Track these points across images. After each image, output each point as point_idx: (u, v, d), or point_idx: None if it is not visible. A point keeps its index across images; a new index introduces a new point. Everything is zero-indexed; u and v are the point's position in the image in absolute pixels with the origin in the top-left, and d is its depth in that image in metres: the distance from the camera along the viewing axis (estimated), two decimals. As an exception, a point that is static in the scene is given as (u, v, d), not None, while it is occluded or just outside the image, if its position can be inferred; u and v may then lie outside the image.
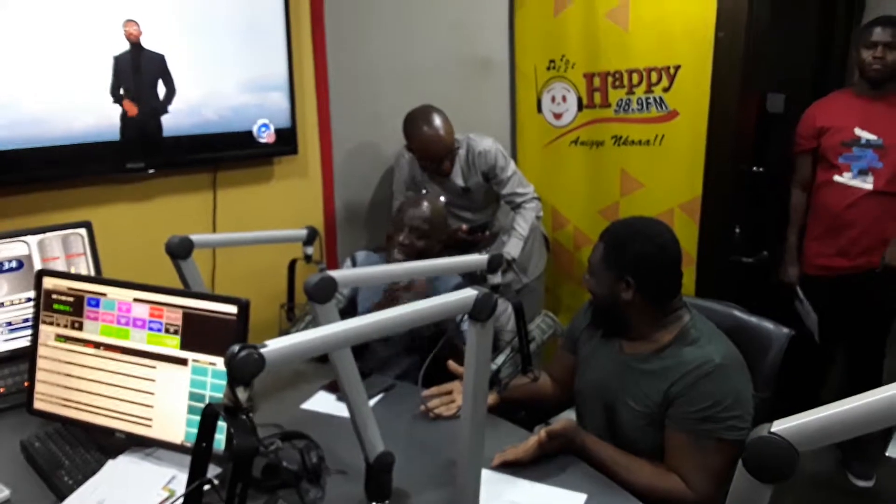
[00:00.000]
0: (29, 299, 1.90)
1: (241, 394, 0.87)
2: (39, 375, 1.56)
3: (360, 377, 1.32)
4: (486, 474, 1.44)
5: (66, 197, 2.05)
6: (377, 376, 2.00)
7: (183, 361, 1.42)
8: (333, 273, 1.26)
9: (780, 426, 0.69)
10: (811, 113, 2.77)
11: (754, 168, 2.87)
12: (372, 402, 1.84)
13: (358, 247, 2.67)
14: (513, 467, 1.50)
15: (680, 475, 1.47)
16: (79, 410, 1.52)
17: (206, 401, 1.40)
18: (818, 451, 2.90)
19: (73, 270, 1.97)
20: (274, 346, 0.90)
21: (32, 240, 1.91)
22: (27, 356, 1.83)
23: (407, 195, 2.61)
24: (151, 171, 2.13)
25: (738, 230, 2.79)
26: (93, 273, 1.99)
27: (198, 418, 1.25)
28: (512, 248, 2.61)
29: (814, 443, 0.68)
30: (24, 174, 1.93)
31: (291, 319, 1.96)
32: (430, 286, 2.11)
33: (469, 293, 1.10)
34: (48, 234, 1.94)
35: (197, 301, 1.42)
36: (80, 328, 1.52)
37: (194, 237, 1.61)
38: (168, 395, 1.43)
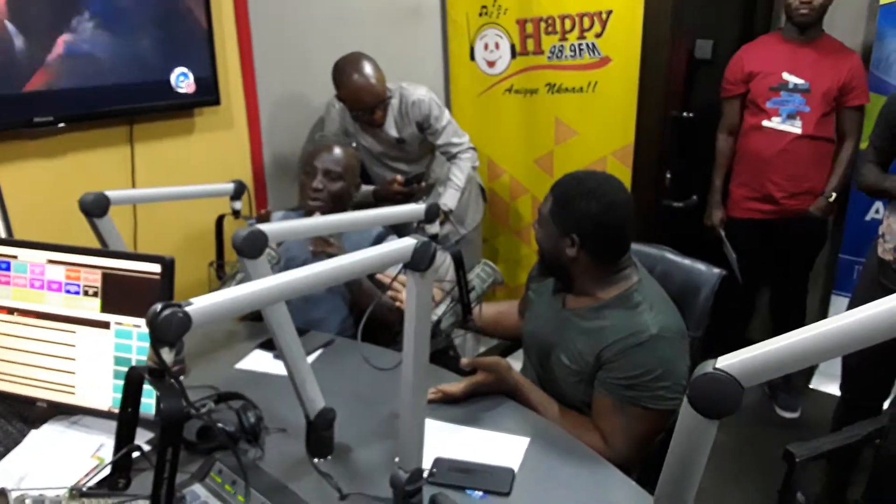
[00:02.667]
0: (-69, 265, 1.76)
1: (167, 355, 0.81)
2: (-56, 345, 1.45)
3: (297, 334, 1.28)
4: (430, 424, 1.43)
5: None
6: (315, 333, 1.96)
7: (105, 325, 1.35)
8: (262, 226, 1.20)
9: (724, 362, 0.68)
10: (739, 58, 2.80)
11: (684, 114, 2.90)
12: (311, 358, 1.80)
13: (290, 199, 2.59)
14: (449, 404, 1.53)
15: (601, 434, 1.49)
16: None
17: (132, 364, 1.33)
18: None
19: (-21, 233, 1.83)
20: (200, 303, 0.84)
21: (-69, 201, 1.77)
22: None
23: (314, 141, 2.49)
24: (61, 125, 1.98)
25: (668, 175, 2.83)
26: (2, 235, 1.86)
27: (122, 382, 1.22)
28: (449, 199, 2.57)
29: (757, 378, 0.68)
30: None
31: (221, 277, 1.88)
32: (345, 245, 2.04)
33: (407, 242, 1.06)
34: (-51, 195, 1.79)
35: (117, 261, 1.33)
36: (-10, 293, 1.41)
37: (110, 193, 1.51)
38: (91, 360, 1.36)
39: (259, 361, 1.80)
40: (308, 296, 2.03)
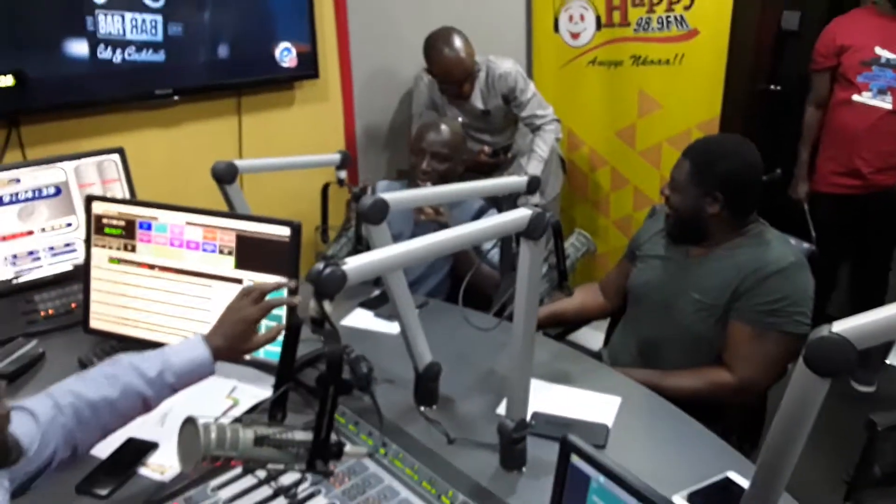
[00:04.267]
0: (69, 224, 1.95)
1: (328, 306, 0.93)
2: (94, 296, 1.63)
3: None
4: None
5: (97, 124, 2.06)
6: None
7: (238, 280, 1.49)
8: (385, 195, 1.30)
9: (839, 327, 0.76)
10: (831, 30, 2.75)
11: (771, 87, 2.88)
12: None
13: (379, 169, 2.71)
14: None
15: (728, 363, 1.65)
16: (136, 328, 1.59)
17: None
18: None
19: (109, 195, 2.01)
20: (354, 262, 0.96)
21: (69, 166, 1.94)
22: (71, 279, 1.92)
23: (423, 120, 2.62)
24: (176, 97, 2.14)
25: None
26: (127, 195, 2.03)
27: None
28: (533, 169, 2.65)
29: (869, 341, 0.75)
30: (57, 101, 1.94)
31: (326, 241, 2.02)
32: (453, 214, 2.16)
33: (524, 212, 1.16)
34: (83, 161, 1.97)
35: (251, 224, 1.47)
36: (133, 250, 1.57)
37: (238, 162, 1.65)
38: (225, 311, 1.50)
39: (361, 319, 1.92)
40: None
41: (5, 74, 1.80)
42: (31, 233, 1.89)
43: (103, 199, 1.61)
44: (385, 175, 2.73)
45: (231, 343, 1.21)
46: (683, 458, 1.35)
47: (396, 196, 1.34)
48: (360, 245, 1.76)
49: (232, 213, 1.50)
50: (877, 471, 1.85)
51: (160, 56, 2.06)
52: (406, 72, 2.77)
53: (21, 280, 1.87)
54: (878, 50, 2.62)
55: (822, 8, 3.09)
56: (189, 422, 0.91)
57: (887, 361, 3.18)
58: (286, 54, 2.30)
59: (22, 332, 1.76)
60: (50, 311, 1.84)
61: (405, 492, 1.20)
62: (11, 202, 1.86)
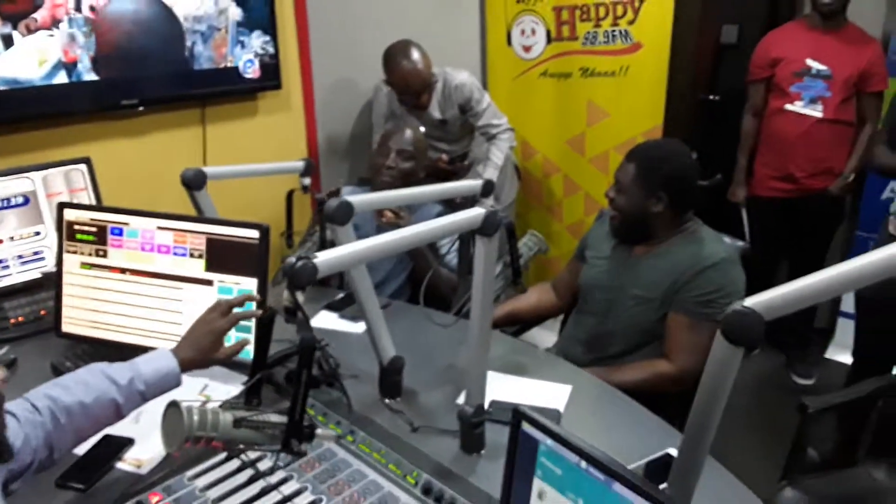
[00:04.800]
0: (37, 233, 1.99)
1: (300, 297, 1.02)
2: (66, 301, 1.68)
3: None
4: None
5: (64, 134, 2.11)
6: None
7: (209, 282, 1.56)
8: (350, 198, 1.40)
9: (749, 301, 0.88)
10: (766, 43, 2.94)
11: (710, 97, 3.06)
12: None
13: (340, 176, 2.79)
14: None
15: (668, 354, 1.77)
16: (108, 331, 1.65)
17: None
18: (765, 354, 3.18)
19: (76, 204, 2.05)
20: (324, 256, 1.05)
21: (37, 176, 1.98)
22: (40, 287, 1.96)
23: (387, 127, 2.71)
24: (141, 108, 2.20)
25: (695, 155, 2.99)
26: (93, 203, 2.08)
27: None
28: (489, 176, 2.76)
29: (775, 312, 0.87)
30: (24, 112, 1.98)
31: (291, 246, 2.09)
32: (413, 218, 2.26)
33: (478, 211, 1.26)
34: (51, 171, 2.01)
35: (220, 227, 1.54)
36: (105, 255, 1.63)
37: (207, 169, 1.72)
38: (196, 312, 1.55)
39: (327, 320, 2.00)
40: (371, 263, 2.26)
41: (-28, 86, 1.84)
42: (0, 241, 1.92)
43: (75, 205, 1.67)
44: (346, 182, 2.82)
45: (199, 354, 1.29)
46: (629, 439, 1.46)
47: (361, 199, 1.43)
48: (325, 249, 1.84)
49: (202, 218, 1.57)
50: (814, 455, 2.00)
51: (126, 70, 2.11)
52: (365, 83, 2.87)
53: (-11, 288, 1.90)
54: (809, 61, 2.81)
55: (760, 22, 3.29)
56: (173, 405, 0.99)
57: (826, 356, 3.38)
58: (249, 66, 2.38)
59: (-10, 339, 1.80)
60: (20, 318, 1.88)
61: (373, 474, 1.28)
62: (-21, 211, 1.89)
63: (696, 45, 2.79)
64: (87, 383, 1.19)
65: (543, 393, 1.62)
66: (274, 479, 1.27)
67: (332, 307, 2.06)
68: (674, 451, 1.37)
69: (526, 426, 0.93)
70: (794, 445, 1.86)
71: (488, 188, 1.67)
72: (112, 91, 2.11)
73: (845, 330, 3.16)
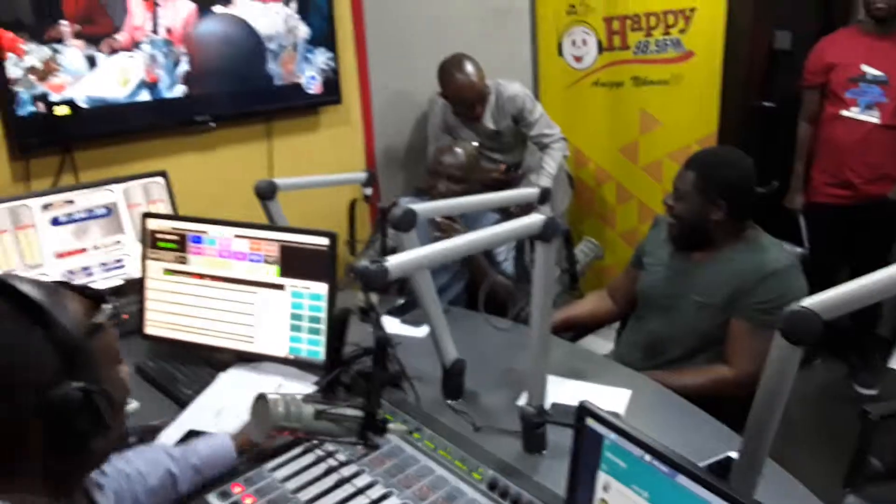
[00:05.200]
0: (118, 242, 2.13)
1: (374, 298, 1.09)
2: (149, 305, 1.79)
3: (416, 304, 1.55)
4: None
5: (142, 149, 2.25)
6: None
7: (281, 287, 1.65)
8: (414, 206, 1.47)
9: (807, 301, 0.91)
10: (820, 49, 2.92)
11: (765, 103, 3.05)
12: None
13: (397, 187, 2.88)
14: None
15: (728, 360, 1.80)
16: (187, 333, 1.75)
17: (305, 319, 1.64)
18: (828, 365, 3.13)
19: (153, 215, 2.18)
20: (395, 260, 1.13)
21: (118, 188, 2.12)
22: (121, 292, 2.09)
23: (439, 145, 2.78)
24: (213, 124, 2.32)
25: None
26: (170, 212, 2.21)
27: (298, 334, 1.61)
28: (542, 185, 2.81)
29: (833, 312, 0.90)
30: (108, 128, 2.13)
31: (353, 253, 2.18)
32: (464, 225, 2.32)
33: (538, 217, 1.32)
34: (131, 183, 2.15)
35: (292, 235, 1.64)
36: (185, 262, 1.74)
37: (278, 181, 1.82)
38: (269, 315, 1.67)
39: (389, 325, 2.06)
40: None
41: (61, 105, 1.98)
42: (84, 250, 2.06)
43: (158, 215, 1.78)
44: (402, 192, 2.90)
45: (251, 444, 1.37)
46: (689, 442, 1.45)
47: (424, 206, 1.51)
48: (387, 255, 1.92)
49: (275, 226, 1.66)
50: (877, 464, 1.99)
51: (205, 88, 2.25)
52: (421, 95, 2.95)
53: (76, 293, 2.03)
54: (864, 67, 2.79)
55: (813, 27, 3.27)
56: (261, 397, 1.07)
57: (889, 365, 3.31)
58: (312, 81, 2.49)
59: (79, 341, 1.92)
60: (103, 322, 2.00)
61: (440, 470, 1.34)
62: (67, 222, 2.03)
63: (749, 51, 2.79)
64: (143, 453, 1.26)
65: (603, 397, 1.66)
66: (347, 472, 1.34)
67: (393, 313, 2.14)
68: (734, 455, 1.39)
69: (591, 422, 0.98)
70: (856, 453, 1.86)
71: (545, 196, 1.72)
72: (189, 108, 2.24)
73: (909, 338, 3.10)
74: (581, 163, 3.34)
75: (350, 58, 2.69)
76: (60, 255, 2.02)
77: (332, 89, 2.56)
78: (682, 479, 0.86)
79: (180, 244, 1.74)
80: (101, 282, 2.08)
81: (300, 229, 1.64)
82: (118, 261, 2.12)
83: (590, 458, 0.98)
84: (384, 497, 1.28)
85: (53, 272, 2.00)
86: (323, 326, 1.63)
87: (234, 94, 2.33)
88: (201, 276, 1.73)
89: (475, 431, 1.52)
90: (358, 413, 1.12)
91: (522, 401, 1.62)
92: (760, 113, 3.00)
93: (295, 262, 1.64)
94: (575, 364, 1.82)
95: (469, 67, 2.64)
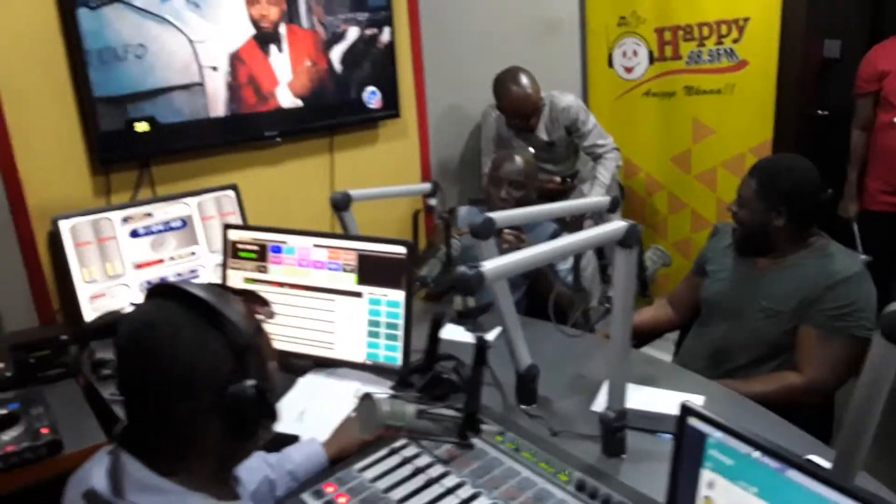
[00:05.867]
0: (193, 253, 2.20)
1: (470, 302, 1.13)
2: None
3: (483, 311, 1.62)
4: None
5: (212, 164, 2.33)
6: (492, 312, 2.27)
7: (359, 294, 1.70)
8: (492, 214, 1.51)
9: (910, 303, 0.93)
10: (872, 57, 2.91)
11: (818, 112, 3.04)
12: (496, 331, 2.11)
13: (452, 198, 2.93)
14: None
15: (798, 367, 1.80)
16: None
17: (383, 326, 1.69)
18: None
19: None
20: (489, 266, 1.16)
21: (192, 201, 2.20)
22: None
23: (497, 155, 2.82)
24: (279, 139, 2.40)
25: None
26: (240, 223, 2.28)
27: (375, 339, 1.66)
28: (596, 195, 2.84)
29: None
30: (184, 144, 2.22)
31: (416, 264, 2.22)
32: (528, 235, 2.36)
33: (621, 224, 1.35)
34: (204, 196, 2.23)
35: (370, 244, 1.69)
36: (265, 271, 1.80)
37: (352, 192, 1.88)
38: (347, 322, 1.72)
39: (453, 333, 2.10)
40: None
41: (141, 122, 2.06)
42: (161, 261, 2.14)
43: (238, 226, 1.85)
44: (458, 203, 2.94)
45: (342, 452, 1.42)
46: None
47: (501, 215, 1.54)
48: (451, 266, 1.97)
49: (353, 235, 1.72)
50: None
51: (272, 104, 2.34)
52: (474, 109, 3.01)
53: (154, 303, 2.11)
54: None
55: (863, 36, 3.25)
56: (367, 397, 1.11)
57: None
58: (373, 97, 2.55)
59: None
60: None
61: (525, 471, 1.37)
62: (145, 234, 2.11)
63: (802, 60, 2.80)
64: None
65: (676, 402, 1.67)
66: (434, 472, 1.38)
67: (457, 321, 2.17)
68: (814, 457, 1.40)
69: (692, 420, 1.01)
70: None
71: (615, 204, 1.75)
72: (259, 124, 2.32)
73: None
74: (631, 172, 3.36)
75: (408, 72, 2.75)
76: (139, 266, 2.10)
77: (391, 104, 2.63)
78: (793, 474, 0.88)
79: (260, 254, 1.81)
80: (176, 292, 2.15)
81: (377, 238, 1.69)
82: (193, 271, 2.20)
83: (691, 456, 1.01)
84: (473, 497, 1.31)
85: (133, 283, 2.08)
86: (400, 332, 1.67)
87: (301, 109, 2.40)
88: (281, 284, 1.79)
89: (552, 436, 1.55)
90: (455, 414, 1.16)
91: (598, 406, 1.65)
92: (813, 121, 3.00)
93: (372, 271, 1.69)
94: (644, 370, 1.83)
95: (524, 80, 2.68)
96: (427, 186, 2.13)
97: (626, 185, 3.34)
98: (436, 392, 1.68)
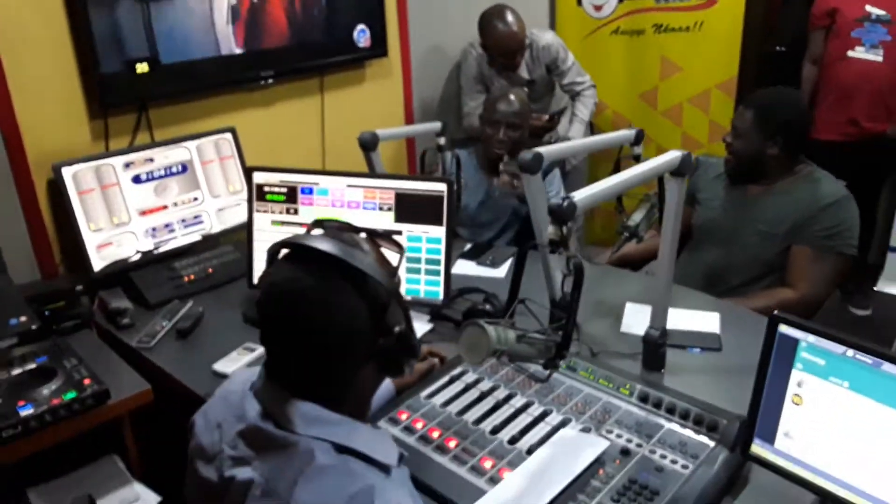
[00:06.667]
0: (195, 199, 2.14)
1: (565, 230, 1.19)
2: (257, 255, 1.84)
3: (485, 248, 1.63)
4: (632, 306, 1.84)
5: (207, 106, 2.24)
6: (499, 246, 2.33)
7: (398, 233, 1.72)
8: (539, 149, 1.55)
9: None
10: None
11: (776, 47, 3.20)
12: (507, 263, 2.17)
13: (430, 139, 2.93)
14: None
15: (790, 283, 1.96)
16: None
17: (423, 262, 1.72)
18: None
19: (224, 171, 2.20)
20: (579, 195, 1.22)
21: (191, 145, 2.13)
22: (202, 248, 2.12)
23: (491, 94, 2.79)
24: (270, 81, 2.33)
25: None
26: (241, 171, 2.23)
27: (415, 276, 1.70)
28: (576, 132, 2.92)
29: None
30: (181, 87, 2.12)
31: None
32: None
33: (676, 154, 1.43)
34: (203, 140, 2.16)
35: (408, 182, 1.70)
36: (296, 213, 1.79)
37: (379, 132, 1.87)
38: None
39: (467, 268, 2.15)
40: (482, 220, 2.42)
41: (142, 62, 1.96)
42: (165, 207, 2.08)
43: (264, 168, 1.81)
44: (420, 139, 2.92)
45: (404, 383, 1.47)
46: None
47: (550, 149, 1.58)
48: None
49: (388, 174, 1.72)
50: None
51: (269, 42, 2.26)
52: (452, 47, 2.99)
53: (161, 250, 2.06)
54: (868, 7, 2.95)
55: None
56: (474, 324, 1.15)
57: (876, 288, 3.59)
58: (362, 35, 2.51)
59: (174, 294, 1.96)
60: (191, 276, 2.04)
61: (587, 388, 1.46)
62: (148, 179, 2.04)
63: (768, -3, 2.95)
64: None
65: (695, 320, 1.80)
66: (500, 394, 1.45)
67: (466, 256, 2.22)
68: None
69: (784, 328, 1.11)
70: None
71: (639, 137, 1.84)
72: (253, 64, 2.25)
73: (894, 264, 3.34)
74: (599, 109, 3.41)
75: (392, 9, 2.70)
76: (143, 213, 2.03)
77: (379, 43, 2.58)
78: (888, 367, 0.99)
79: (290, 196, 1.79)
80: (182, 238, 2.10)
81: (415, 176, 1.71)
82: (196, 217, 2.14)
83: (782, 359, 1.11)
84: (545, 414, 1.39)
85: (138, 230, 2.01)
86: (441, 268, 1.71)
87: (293, 48, 2.33)
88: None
89: (593, 356, 1.65)
90: (547, 338, 1.22)
91: (626, 328, 1.76)
92: (772, 57, 3.16)
93: (411, 209, 1.71)
94: (653, 293, 1.95)
95: (510, 17, 2.69)
96: (437, 125, 2.13)
97: (594, 123, 3.43)
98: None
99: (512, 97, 2.36)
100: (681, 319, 1.81)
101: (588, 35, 3.34)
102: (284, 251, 0.97)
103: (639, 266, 2.47)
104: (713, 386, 1.51)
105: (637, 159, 2.13)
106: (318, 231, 1.02)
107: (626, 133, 1.87)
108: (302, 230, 1.78)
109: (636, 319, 1.78)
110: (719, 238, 2.14)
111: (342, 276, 0.91)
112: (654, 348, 1.58)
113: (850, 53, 3.02)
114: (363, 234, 1.04)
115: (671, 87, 3.18)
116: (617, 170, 1.95)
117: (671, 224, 1.49)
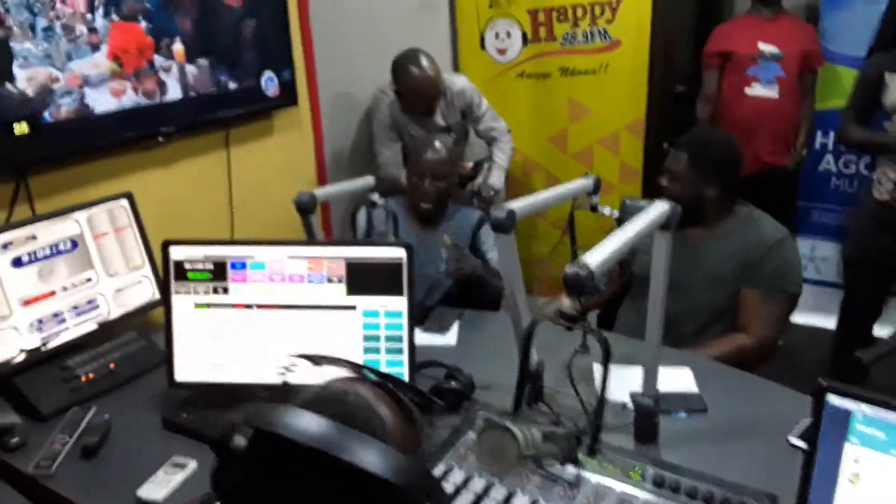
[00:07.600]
0: (89, 279, 1.81)
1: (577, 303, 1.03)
2: (178, 348, 1.55)
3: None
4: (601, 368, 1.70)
5: (98, 169, 1.93)
6: (441, 308, 2.14)
7: (352, 307, 1.50)
8: (511, 205, 1.40)
9: None
10: (716, 34, 3.17)
11: (676, 87, 3.28)
12: (454, 328, 1.99)
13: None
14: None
15: (743, 328, 1.92)
16: (231, 373, 1.54)
17: (382, 340, 1.51)
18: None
19: (121, 244, 1.89)
20: (594, 260, 1.07)
21: (81, 216, 1.81)
22: (98, 338, 1.79)
23: (415, 144, 2.60)
24: (163, 138, 2.04)
25: (666, 145, 3.20)
26: (141, 243, 1.92)
27: (375, 356, 1.51)
28: (495, 179, 2.81)
29: None
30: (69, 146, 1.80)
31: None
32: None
33: (664, 207, 1.32)
34: (94, 209, 1.84)
35: (359, 250, 1.49)
36: (226, 292, 1.52)
37: (316, 192, 1.65)
38: (341, 339, 1.51)
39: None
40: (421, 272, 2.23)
41: (20, 121, 1.63)
42: (53, 293, 1.73)
43: (182, 241, 1.53)
44: (350, 197, 2.74)
45: None
46: (776, 409, 1.54)
47: (523, 204, 1.43)
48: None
49: (337, 242, 1.51)
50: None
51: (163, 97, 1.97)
52: (361, 93, 2.82)
53: (50, 346, 1.71)
54: (761, 45, 3.07)
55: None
56: (500, 429, 0.96)
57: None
58: (271, 83, 2.28)
59: (71, 401, 1.62)
60: (91, 375, 1.70)
61: (594, 477, 1.27)
62: (31, 261, 1.69)
63: (672, 38, 2.99)
64: None
65: (670, 379, 1.69)
66: (499, 495, 1.25)
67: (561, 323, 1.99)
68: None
69: (832, 398, 1.00)
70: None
71: (597, 185, 1.73)
72: (151, 119, 1.95)
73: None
74: (509, 154, 3.37)
75: (299, 56, 2.49)
76: (27, 303, 1.68)
77: (289, 91, 2.36)
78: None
79: (217, 273, 1.52)
80: (74, 328, 1.76)
81: (368, 241, 1.51)
82: (90, 301, 1.80)
83: (834, 434, 1.00)
84: (557, 513, 1.21)
85: (21, 323, 1.66)
86: (404, 345, 1.51)
87: (195, 100, 2.06)
88: (248, 306, 1.52)
89: (580, 433, 1.48)
90: (568, 433, 1.06)
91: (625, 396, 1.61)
92: (676, 97, 3.23)
93: (365, 280, 1.49)
94: (618, 350, 1.83)
95: (425, 62, 2.56)
96: (370, 180, 1.93)
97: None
98: (445, 403, 1.56)
99: (438, 145, 2.21)
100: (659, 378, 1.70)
101: (493, 79, 3.27)
102: (240, 440, 0.66)
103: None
104: (714, 455, 1.38)
105: (594, 209, 2.05)
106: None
107: (584, 182, 1.76)
108: (235, 313, 1.56)
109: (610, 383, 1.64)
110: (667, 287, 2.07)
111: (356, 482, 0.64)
112: (649, 419, 1.45)
113: (748, 90, 3.13)
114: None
115: (581, 130, 3.16)
116: (572, 220, 1.88)
117: (659, 281, 1.37)
